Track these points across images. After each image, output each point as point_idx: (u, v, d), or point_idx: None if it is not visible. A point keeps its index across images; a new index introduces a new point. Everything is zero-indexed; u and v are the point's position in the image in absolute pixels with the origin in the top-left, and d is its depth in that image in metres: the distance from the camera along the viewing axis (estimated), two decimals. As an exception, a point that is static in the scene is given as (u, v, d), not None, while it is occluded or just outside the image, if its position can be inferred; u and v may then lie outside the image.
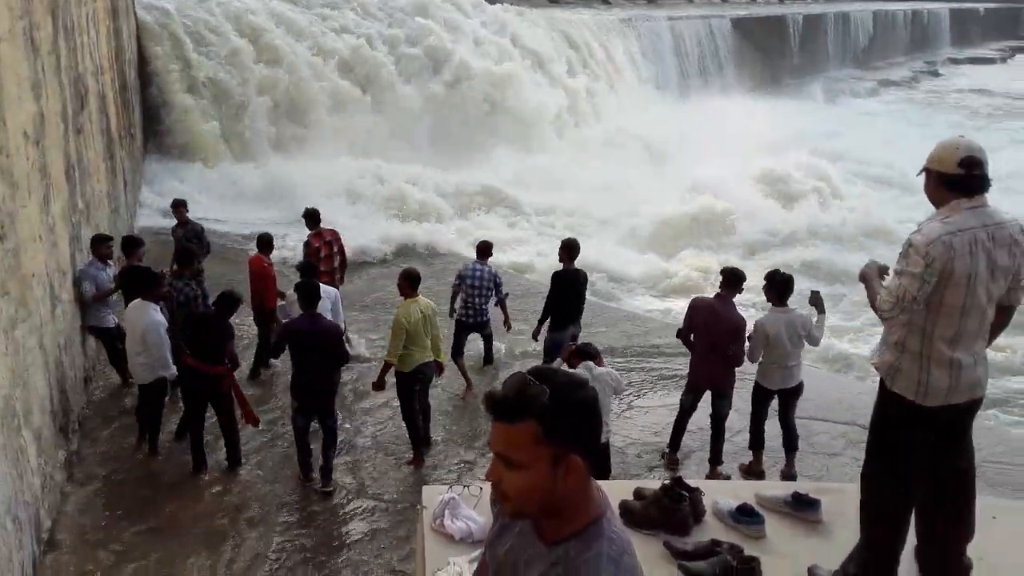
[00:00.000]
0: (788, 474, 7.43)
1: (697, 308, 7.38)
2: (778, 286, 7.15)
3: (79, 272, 8.31)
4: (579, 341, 7.77)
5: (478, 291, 9.11)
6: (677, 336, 7.71)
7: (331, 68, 20.98)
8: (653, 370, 9.95)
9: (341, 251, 10.09)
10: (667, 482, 4.09)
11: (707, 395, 7.53)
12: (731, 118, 26.00)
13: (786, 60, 40.74)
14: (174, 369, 7.56)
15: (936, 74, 50.29)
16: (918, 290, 3.40)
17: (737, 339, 7.19)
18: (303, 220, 10.01)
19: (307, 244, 9.78)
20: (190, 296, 8.35)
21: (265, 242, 9.51)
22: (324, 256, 9.68)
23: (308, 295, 7.14)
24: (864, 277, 3.74)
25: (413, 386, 7.66)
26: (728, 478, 7.37)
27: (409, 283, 7.58)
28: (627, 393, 9.02)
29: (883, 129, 29.60)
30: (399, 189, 18.40)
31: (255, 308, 9.34)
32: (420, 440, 7.79)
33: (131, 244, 8.94)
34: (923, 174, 3.57)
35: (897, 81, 46.02)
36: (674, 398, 8.09)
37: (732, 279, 7.27)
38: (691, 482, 4.15)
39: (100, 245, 8.54)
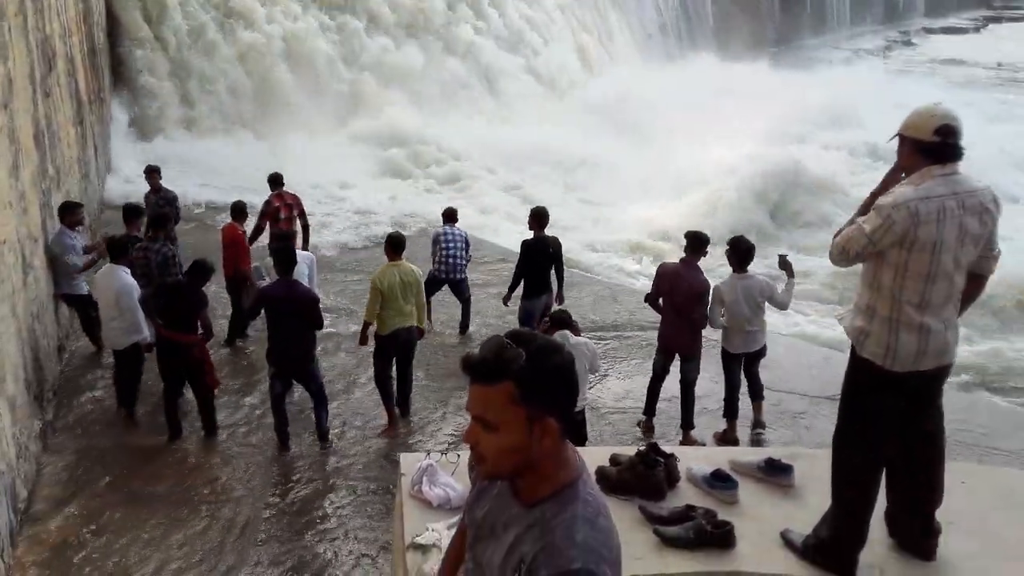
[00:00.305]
0: (757, 421, 7.73)
1: (663, 273, 7.48)
2: (740, 252, 7.27)
3: (55, 244, 8.22)
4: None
5: (452, 249, 9.39)
6: (645, 300, 7.85)
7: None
8: (627, 338, 10.01)
9: (302, 215, 10.21)
10: (642, 448, 4.14)
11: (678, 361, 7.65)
12: (720, 86, 25.18)
13: (766, 29, 40.50)
14: (147, 333, 7.55)
15: (910, 43, 50.38)
16: (863, 247, 3.47)
17: (702, 302, 7.28)
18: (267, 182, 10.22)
19: (267, 203, 9.92)
20: (168, 256, 8.17)
21: (239, 210, 9.44)
22: (284, 218, 9.83)
23: (285, 260, 7.13)
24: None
25: (389, 350, 7.67)
26: (702, 444, 7.47)
27: (391, 247, 7.64)
28: (603, 361, 9.05)
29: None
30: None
31: (228, 277, 9.29)
32: (393, 407, 7.81)
33: (132, 214, 8.78)
34: (896, 140, 3.60)
35: (871, 50, 46.04)
36: (649, 367, 8.16)
37: (696, 243, 7.34)
38: (666, 448, 4.20)
39: (71, 213, 8.42)
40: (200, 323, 7.21)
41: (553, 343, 2.03)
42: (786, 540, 3.75)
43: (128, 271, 7.64)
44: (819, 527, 3.67)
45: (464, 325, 9.89)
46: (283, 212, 9.86)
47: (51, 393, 7.76)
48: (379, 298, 7.43)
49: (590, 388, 8.01)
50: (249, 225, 9.69)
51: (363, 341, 7.87)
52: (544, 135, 20.71)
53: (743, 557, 3.63)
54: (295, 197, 10.20)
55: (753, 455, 4.34)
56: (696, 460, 4.26)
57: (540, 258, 8.54)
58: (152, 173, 10.58)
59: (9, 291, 6.37)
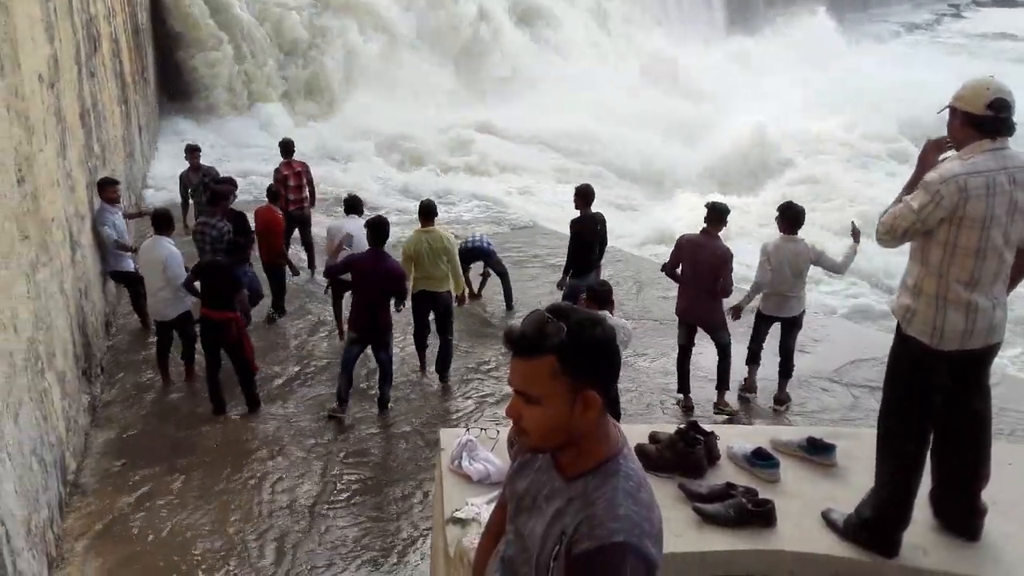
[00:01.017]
0: (779, 399, 7.77)
1: (683, 244, 7.55)
2: (790, 216, 7.30)
3: (96, 219, 8.35)
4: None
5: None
6: (662, 270, 7.93)
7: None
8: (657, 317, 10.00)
9: (310, 183, 10.74)
10: (682, 426, 4.12)
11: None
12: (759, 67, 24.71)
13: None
14: (189, 301, 7.76)
15: (960, 16, 49.14)
16: (911, 224, 3.40)
17: (723, 270, 7.29)
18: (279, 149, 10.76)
19: (277, 171, 10.44)
20: (222, 232, 8.24)
21: (274, 194, 9.57)
22: (293, 185, 10.38)
23: (378, 232, 7.34)
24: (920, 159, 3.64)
25: (422, 310, 8.10)
26: (734, 413, 7.66)
27: (423, 214, 8.04)
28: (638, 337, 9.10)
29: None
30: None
31: (264, 261, 9.41)
32: (424, 355, 8.35)
33: (220, 196, 8.89)
34: (946, 112, 3.51)
35: (920, 24, 44.93)
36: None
37: (716, 214, 7.37)
38: (706, 426, 4.18)
39: (108, 188, 8.54)
40: (237, 303, 7.35)
41: (594, 316, 2.03)
42: (828, 519, 3.71)
43: (172, 242, 7.81)
44: (862, 506, 3.63)
45: (508, 303, 10.07)
46: (292, 180, 10.36)
47: (99, 368, 7.92)
48: (410, 263, 7.82)
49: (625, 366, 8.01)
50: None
51: (398, 307, 8.03)
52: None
53: (784, 536, 3.60)
54: (304, 165, 10.69)
55: (795, 434, 4.29)
56: (736, 438, 4.23)
57: (588, 236, 8.51)
58: (193, 152, 10.69)
59: (58, 268, 6.50)
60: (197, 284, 7.48)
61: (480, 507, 3.61)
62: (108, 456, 6.88)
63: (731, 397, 7.78)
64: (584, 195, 8.54)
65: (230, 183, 9.52)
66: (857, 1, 43.32)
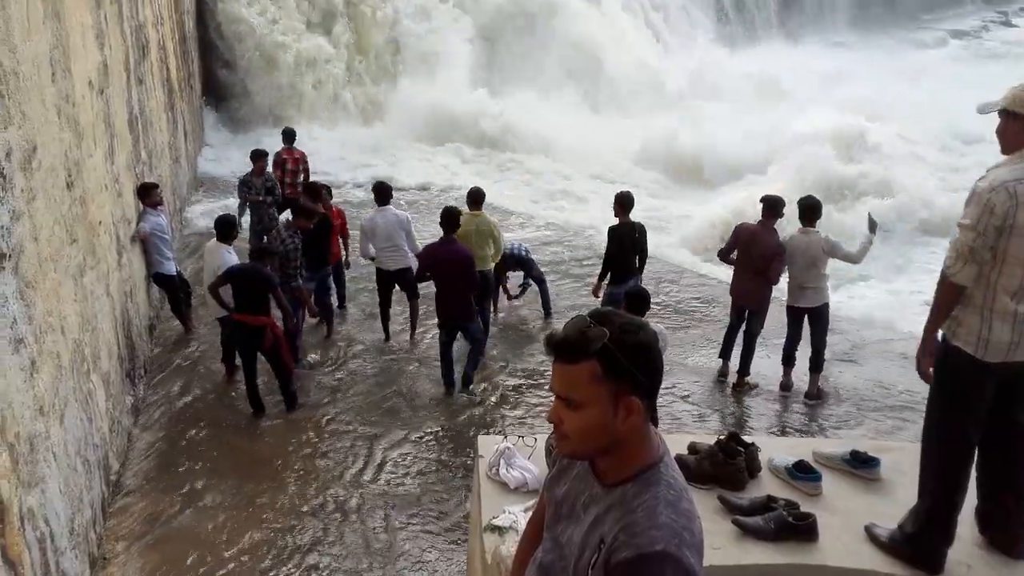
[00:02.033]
0: (809, 393, 8.08)
1: (740, 231, 8.06)
2: (802, 208, 7.71)
3: (140, 222, 8.48)
4: None
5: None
6: (718, 255, 8.53)
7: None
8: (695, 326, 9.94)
9: (306, 170, 11.63)
10: (722, 437, 4.08)
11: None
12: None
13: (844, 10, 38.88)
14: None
15: (1008, 24, 48.24)
16: (974, 240, 3.31)
17: (774, 261, 7.73)
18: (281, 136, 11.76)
19: (277, 154, 11.44)
20: (290, 250, 8.16)
21: (310, 190, 9.72)
22: (290, 170, 11.35)
23: (449, 221, 7.76)
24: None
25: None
26: (755, 385, 8.29)
27: (471, 200, 8.67)
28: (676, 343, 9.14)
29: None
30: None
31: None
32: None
33: (313, 193, 9.27)
34: (996, 115, 3.43)
35: (968, 31, 44.17)
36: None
37: (771, 205, 7.85)
38: (746, 438, 4.13)
39: (148, 194, 8.61)
40: (277, 304, 7.47)
41: (637, 321, 2.02)
42: (871, 534, 3.64)
43: (231, 250, 8.02)
44: (906, 521, 3.56)
45: (546, 309, 10.03)
46: (290, 164, 11.39)
47: (142, 370, 8.04)
48: None
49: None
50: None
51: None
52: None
53: (826, 551, 3.54)
54: (302, 153, 11.75)
55: (838, 446, 4.22)
56: (778, 451, 4.17)
57: (627, 243, 8.49)
58: (260, 157, 10.81)
59: (104, 271, 6.62)
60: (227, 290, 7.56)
61: (517, 514, 3.60)
62: (150, 457, 6.98)
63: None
64: (623, 202, 8.52)
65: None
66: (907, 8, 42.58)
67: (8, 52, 4.29)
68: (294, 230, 8.23)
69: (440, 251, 7.77)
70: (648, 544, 1.89)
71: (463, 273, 7.67)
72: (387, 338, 9.31)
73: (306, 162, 11.66)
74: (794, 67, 24.38)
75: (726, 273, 9.82)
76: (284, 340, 7.69)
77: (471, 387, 8.16)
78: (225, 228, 8.12)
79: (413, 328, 9.35)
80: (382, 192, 9.03)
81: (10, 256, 4.10)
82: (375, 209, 9.03)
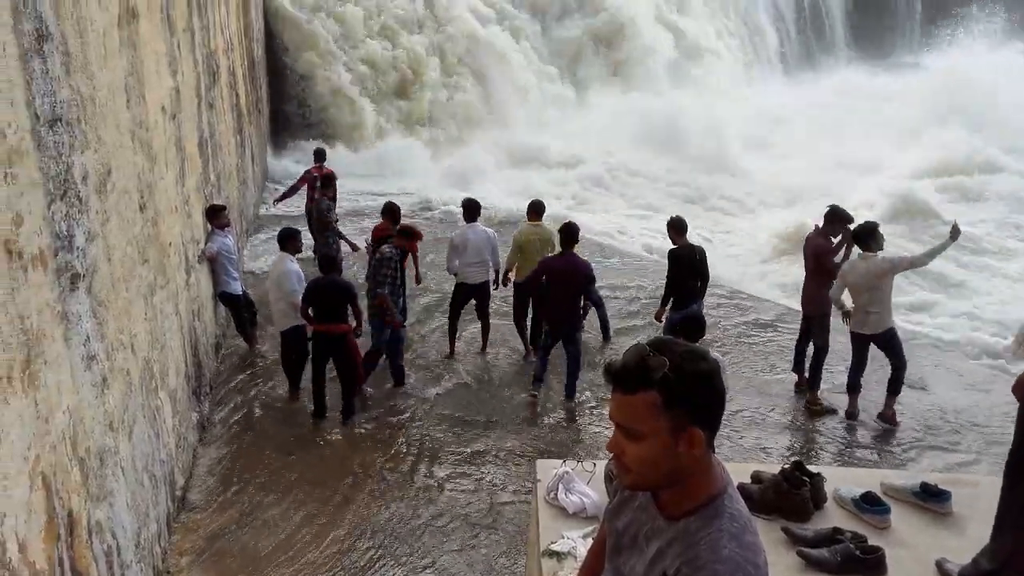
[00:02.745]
0: (883, 415, 8.04)
1: (808, 240, 8.34)
2: (860, 234, 7.62)
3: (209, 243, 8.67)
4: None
5: None
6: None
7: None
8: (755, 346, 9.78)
9: (334, 187, 12.31)
10: (786, 466, 3.99)
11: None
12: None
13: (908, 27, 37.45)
14: (299, 320, 8.07)
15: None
16: None
17: (824, 260, 8.05)
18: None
19: (307, 171, 12.54)
20: (387, 257, 8.16)
21: (388, 210, 9.73)
22: (319, 187, 11.86)
23: (569, 235, 8.17)
24: None
25: (524, 294, 9.18)
26: (833, 411, 8.23)
27: (533, 210, 9.31)
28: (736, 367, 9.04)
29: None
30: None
31: None
32: (526, 339, 9.53)
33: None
34: None
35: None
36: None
37: (832, 216, 8.11)
38: (812, 468, 4.03)
39: (217, 216, 8.77)
40: (354, 312, 7.82)
41: (698, 350, 1.98)
42: (942, 570, 3.51)
43: (293, 259, 8.27)
44: (979, 558, 3.42)
45: (605, 334, 9.98)
46: (319, 180, 11.97)
47: (208, 388, 8.20)
48: (519, 251, 9.09)
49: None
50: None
51: (504, 282, 9.35)
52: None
53: (894, 586, 3.43)
54: (331, 170, 12.41)
55: (907, 478, 4.10)
56: (844, 481, 4.06)
57: (687, 267, 8.41)
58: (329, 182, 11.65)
59: (174, 291, 6.78)
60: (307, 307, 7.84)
61: (576, 540, 3.57)
62: (215, 475, 7.09)
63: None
64: (676, 226, 8.48)
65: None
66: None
67: (86, 79, 4.44)
68: (392, 245, 8.34)
69: (557, 263, 8.20)
70: None
71: (576, 283, 8.09)
72: (451, 353, 9.46)
73: (334, 179, 12.43)
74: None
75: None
76: (359, 352, 8.02)
77: (575, 396, 8.44)
78: (288, 239, 8.35)
79: (485, 342, 9.61)
80: (472, 209, 9.34)
81: (84, 276, 4.22)
82: (465, 226, 9.31)
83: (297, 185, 12.60)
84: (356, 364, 7.98)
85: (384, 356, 8.69)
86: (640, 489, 2.11)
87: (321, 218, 11.03)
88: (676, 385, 1.90)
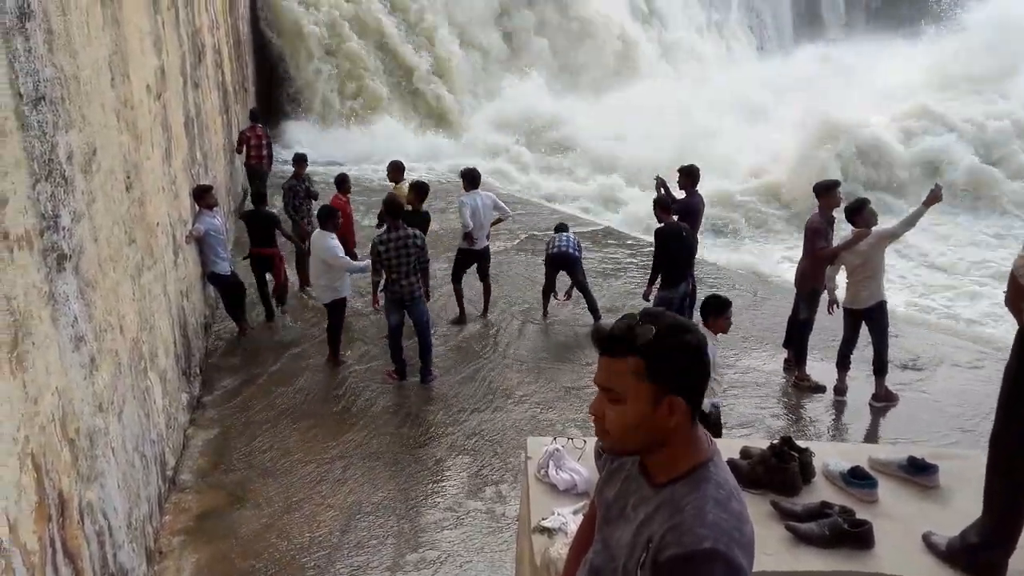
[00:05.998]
0: (877, 395, 7.99)
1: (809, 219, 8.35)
2: (848, 211, 7.75)
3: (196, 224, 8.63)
4: (695, 296, 8.62)
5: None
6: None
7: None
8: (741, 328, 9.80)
9: (269, 146, 13.33)
10: (775, 441, 4.01)
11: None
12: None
13: None
14: (346, 293, 8.65)
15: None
16: None
17: (813, 238, 8.06)
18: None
19: (241, 132, 13.17)
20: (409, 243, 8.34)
21: (341, 181, 9.97)
22: (254, 144, 12.88)
23: (663, 205, 8.54)
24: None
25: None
26: (822, 388, 8.27)
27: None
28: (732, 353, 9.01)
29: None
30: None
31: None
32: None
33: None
34: None
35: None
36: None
37: (822, 189, 8.14)
38: (801, 443, 4.06)
39: (203, 196, 8.75)
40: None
41: (685, 322, 2.02)
42: (929, 543, 3.54)
43: (334, 236, 8.45)
44: (967, 531, 3.45)
45: (594, 313, 9.81)
46: (253, 140, 12.90)
47: (198, 369, 8.18)
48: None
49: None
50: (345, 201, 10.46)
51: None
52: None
53: (881, 558, 3.46)
54: (264, 130, 13.32)
55: (895, 453, 4.13)
56: (833, 456, 4.10)
57: (675, 244, 8.37)
58: (301, 162, 11.05)
59: (162, 271, 6.74)
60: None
61: (567, 516, 3.59)
62: (204, 455, 7.09)
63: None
64: (663, 205, 8.48)
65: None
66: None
67: (69, 58, 4.39)
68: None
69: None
70: (697, 542, 1.87)
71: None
72: (462, 316, 9.77)
73: (269, 138, 13.36)
74: None
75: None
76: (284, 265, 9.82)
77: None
78: (328, 217, 8.51)
79: (486, 307, 9.90)
80: (473, 177, 9.48)
81: (71, 256, 4.19)
82: (468, 193, 9.44)
83: (238, 149, 13.18)
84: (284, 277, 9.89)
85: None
86: (618, 453, 2.17)
87: (297, 205, 10.84)
88: (659, 353, 1.95)
